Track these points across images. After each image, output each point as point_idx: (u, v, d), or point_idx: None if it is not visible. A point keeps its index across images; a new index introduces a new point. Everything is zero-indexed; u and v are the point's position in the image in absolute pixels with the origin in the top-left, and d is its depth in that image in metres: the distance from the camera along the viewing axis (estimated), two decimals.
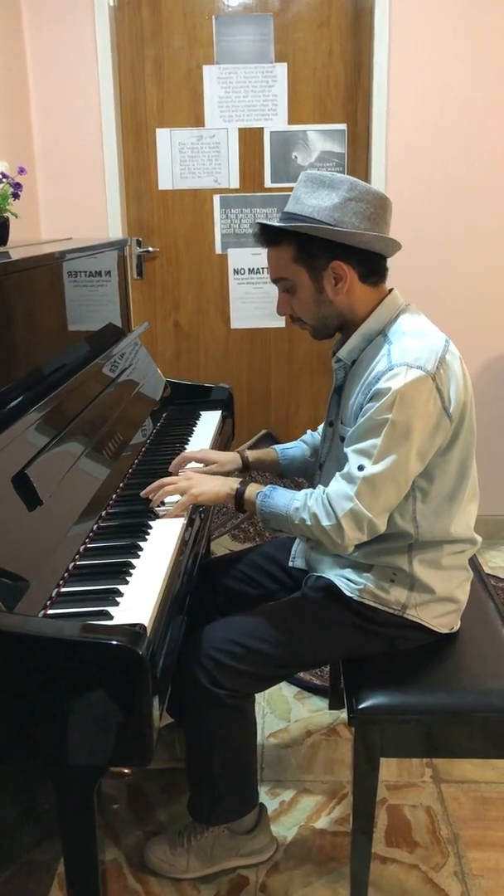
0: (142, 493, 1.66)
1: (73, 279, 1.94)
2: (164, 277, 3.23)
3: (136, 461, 1.93)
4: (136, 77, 3.03)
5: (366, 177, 3.04)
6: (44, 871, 1.71)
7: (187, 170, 3.11)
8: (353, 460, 1.45)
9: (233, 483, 1.60)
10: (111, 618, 1.22)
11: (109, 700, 1.12)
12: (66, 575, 1.37)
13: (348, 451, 1.47)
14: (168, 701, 1.27)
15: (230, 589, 1.80)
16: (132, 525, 1.57)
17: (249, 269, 3.20)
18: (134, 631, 1.13)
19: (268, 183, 3.12)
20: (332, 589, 1.58)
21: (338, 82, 3.03)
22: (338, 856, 1.75)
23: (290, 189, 1.52)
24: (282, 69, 3.01)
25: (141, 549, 1.48)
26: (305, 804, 1.90)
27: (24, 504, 1.35)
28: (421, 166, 3.00)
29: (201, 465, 1.80)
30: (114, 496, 1.71)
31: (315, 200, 1.46)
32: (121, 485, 1.78)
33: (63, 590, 1.32)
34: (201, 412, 2.37)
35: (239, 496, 1.58)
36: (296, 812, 1.88)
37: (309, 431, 1.89)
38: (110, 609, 1.25)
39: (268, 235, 1.53)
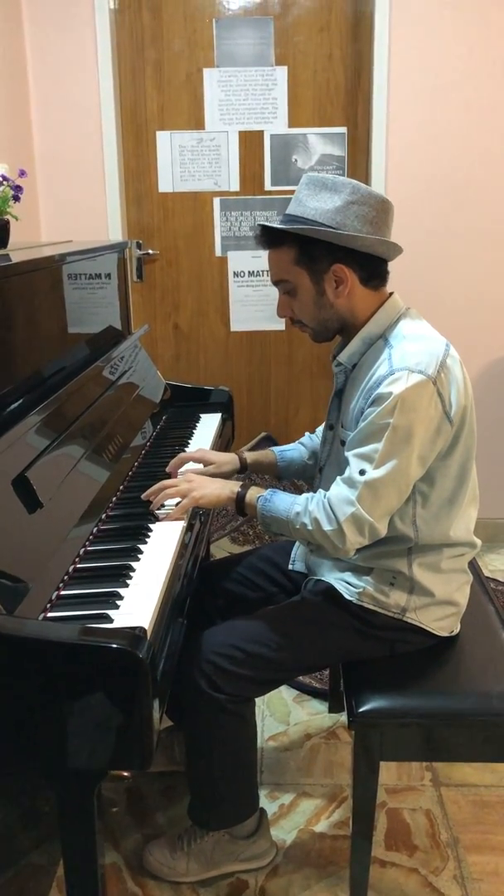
0: (143, 496, 1.66)
1: (73, 282, 1.94)
2: (164, 280, 3.23)
3: (136, 464, 1.93)
4: (137, 80, 3.04)
5: (366, 180, 3.04)
6: (43, 874, 1.71)
7: (187, 172, 3.11)
8: (355, 465, 1.45)
9: (234, 486, 1.60)
10: (111, 621, 1.22)
11: (109, 703, 1.12)
12: (66, 578, 1.37)
13: (349, 455, 1.47)
14: (168, 704, 1.27)
15: (230, 592, 1.80)
16: (132, 528, 1.57)
17: (249, 272, 3.20)
18: (134, 634, 1.12)
19: (268, 186, 3.12)
20: (331, 592, 1.58)
21: (338, 86, 3.04)
22: (337, 859, 1.75)
23: (291, 192, 1.53)
24: (282, 72, 3.01)
25: (141, 551, 1.48)
26: (305, 808, 1.90)
27: (25, 507, 1.35)
28: (421, 169, 3.00)
29: (199, 465, 1.80)
30: (114, 499, 1.71)
31: (317, 203, 1.46)
32: (121, 487, 1.78)
33: (63, 593, 1.32)
34: (201, 415, 2.37)
35: (240, 499, 1.58)
36: (295, 815, 1.88)
37: (307, 434, 1.89)
38: (110, 612, 1.25)
39: (269, 237, 1.53)
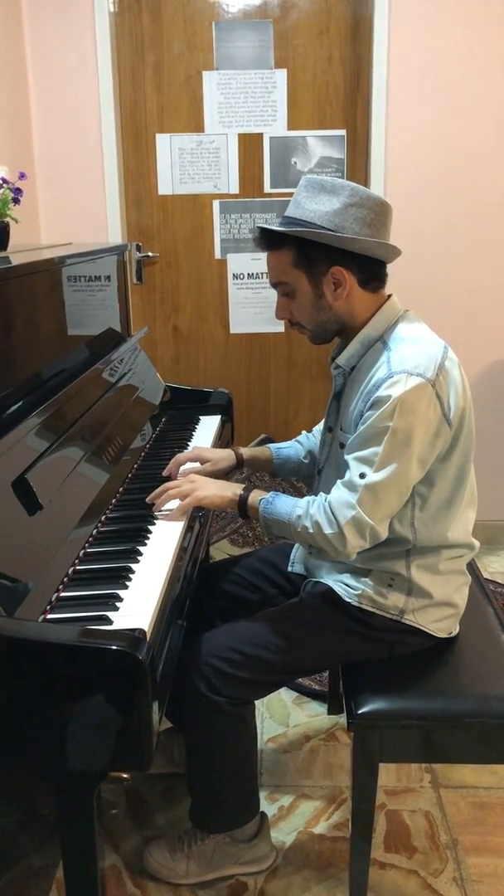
0: (147, 499, 1.66)
1: (72, 284, 1.94)
2: (164, 282, 3.23)
3: (135, 466, 1.93)
4: (136, 82, 3.04)
5: (365, 182, 3.05)
6: (42, 876, 1.71)
7: (187, 175, 3.12)
8: (355, 468, 1.45)
9: (237, 488, 1.60)
10: (111, 622, 1.22)
11: (109, 705, 1.12)
12: (65, 579, 1.37)
13: (349, 458, 1.47)
14: (167, 706, 1.27)
15: (229, 593, 1.81)
16: (132, 530, 1.58)
17: (249, 274, 3.20)
18: (133, 636, 1.13)
19: (267, 188, 3.13)
20: (330, 594, 1.59)
21: (337, 88, 3.04)
22: (337, 861, 1.75)
23: (290, 194, 1.53)
24: (281, 75, 3.02)
25: (141, 553, 1.48)
26: (304, 809, 1.90)
27: (24, 509, 1.35)
28: (420, 171, 3.01)
29: (196, 464, 1.80)
30: (113, 501, 1.71)
31: (316, 205, 1.46)
32: (120, 489, 1.78)
33: (63, 594, 1.32)
34: (201, 417, 2.38)
35: (242, 502, 1.58)
36: (294, 817, 1.88)
37: (304, 432, 1.89)
38: (110, 614, 1.25)
39: (268, 239, 1.53)
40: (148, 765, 1.15)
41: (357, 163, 3.11)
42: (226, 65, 3.01)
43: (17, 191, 1.93)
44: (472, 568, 1.81)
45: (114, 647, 1.10)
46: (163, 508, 1.65)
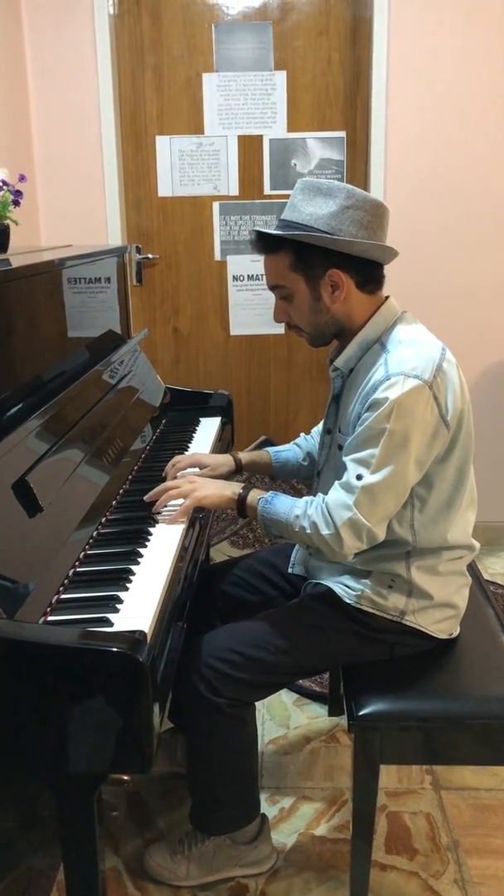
0: (146, 498, 1.67)
1: (72, 286, 1.94)
2: (164, 284, 3.23)
3: (135, 468, 1.94)
4: (136, 85, 3.05)
5: (364, 184, 3.05)
6: (43, 878, 1.71)
7: (187, 177, 3.12)
8: (352, 469, 1.45)
9: (236, 487, 1.61)
10: (111, 624, 1.22)
11: (110, 707, 1.12)
12: (66, 581, 1.37)
13: (347, 460, 1.47)
14: (169, 707, 1.27)
15: (229, 595, 1.81)
16: (132, 531, 1.58)
17: (249, 276, 3.20)
18: (134, 638, 1.13)
19: (267, 190, 3.13)
20: (330, 595, 1.59)
21: (337, 90, 3.05)
22: (337, 863, 1.75)
23: (290, 196, 1.53)
24: (281, 77, 3.02)
25: (141, 555, 1.48)
26: (305, 811, 1.90)
27: (25, 511, 1.35)
28: (419, 173, 3.01)
29: (196, 469, 1.80)
30: (114, 503, 1.71)
31: (312, 208, 1.47)
32: (120, 491, 1.78)
33: (63, 596, 1.32)
34: (201, 419, 2.38)
35: (241, 501, 1.58)
36: (295, 819, 1.88)
37: (302, 435, 1.90)
38: (110, 616, 1.25)
39: (265, 243, 1.53)
40: (149, 766, 1.15)
41: (357, 164, 3.11)
42: (225, 67, 3.02)
43: (17, 193, 1.93)
44: (473, 569, 1.81)
45: (114, 650, 1.10)
46: (163, 510, 1.65)
